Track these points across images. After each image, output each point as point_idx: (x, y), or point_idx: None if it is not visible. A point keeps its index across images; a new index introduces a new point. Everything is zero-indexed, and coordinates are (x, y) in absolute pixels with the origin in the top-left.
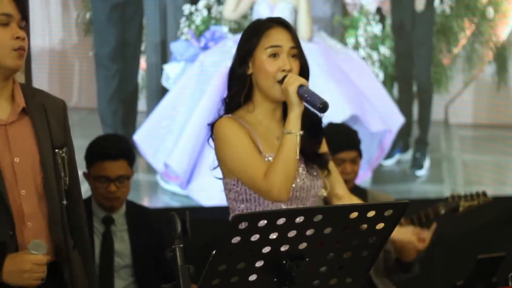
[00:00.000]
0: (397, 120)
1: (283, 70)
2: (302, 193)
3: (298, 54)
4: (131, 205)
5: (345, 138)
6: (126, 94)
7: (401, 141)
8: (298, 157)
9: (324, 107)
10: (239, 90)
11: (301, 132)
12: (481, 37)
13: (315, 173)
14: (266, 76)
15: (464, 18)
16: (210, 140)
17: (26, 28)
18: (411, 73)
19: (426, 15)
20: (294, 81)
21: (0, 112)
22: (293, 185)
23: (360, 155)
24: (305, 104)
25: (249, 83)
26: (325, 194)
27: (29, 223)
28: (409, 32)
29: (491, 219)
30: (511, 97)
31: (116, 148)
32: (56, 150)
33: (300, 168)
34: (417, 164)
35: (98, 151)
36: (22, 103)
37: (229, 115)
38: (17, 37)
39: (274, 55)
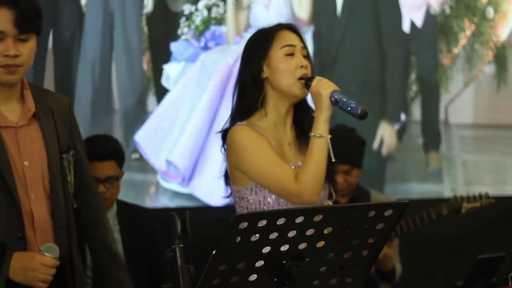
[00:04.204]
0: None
1: (301, 67)
2: None
3: (307, 55)
4: (123, 205)
5: (340, 150)
6: None
7: None
8: (333, 160)
9: (364, 114)
10: (256, 95)
11: (330, 136)
12: (481, 37)
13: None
14: (285, 74)
15: (464, 18)
16: (222, 149)
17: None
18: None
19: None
20: (328, 86)
21: (10, 114)
22: None
23: (357, 166)
24: (341, 109)
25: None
26: (330, 203)
27: (38, 227)
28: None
29: (491, 219)
30: (511, 97)
31: (105, 149)
32: (63, 155)
33: None
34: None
35: (87, 151)
36: (33, 108)
37: (243, 122)
38: (6, 55)
39: (290, 54)
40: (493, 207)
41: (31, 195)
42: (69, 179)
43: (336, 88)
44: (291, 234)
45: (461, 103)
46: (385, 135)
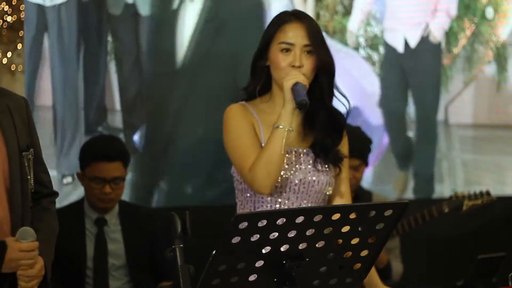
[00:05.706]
0: None
1: (293, 66)
2: (302, 187)
3: (314, 51)
4: (124, 204)
5: (350, 145)
6: None
7: None
8: (283, 153)
9: (300, 104)
10: (256, 81)
11: (291, 128)
12: (481, 37)
13: (323, 169)
14: (278, 69)
15: (464, 18)
16: None
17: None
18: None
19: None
20: (291, 78)
21: None
22: (296, 180)
23: (365, 163)
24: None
25: (268, 74)
26: (330, 192)
27: None
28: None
29: (491, 219)
30: (511, 97)
31: (112, 149)
32: (23, 153)
33: (306, 162)
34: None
35: (93, 152)
36: None
37: (243, 102)
38: None
39: (286, 50)
40: (493, 207)
41: None
42: (28, 177)
43: (300, 80)
44: (291, 234)
45: (461, 103)
46: None
